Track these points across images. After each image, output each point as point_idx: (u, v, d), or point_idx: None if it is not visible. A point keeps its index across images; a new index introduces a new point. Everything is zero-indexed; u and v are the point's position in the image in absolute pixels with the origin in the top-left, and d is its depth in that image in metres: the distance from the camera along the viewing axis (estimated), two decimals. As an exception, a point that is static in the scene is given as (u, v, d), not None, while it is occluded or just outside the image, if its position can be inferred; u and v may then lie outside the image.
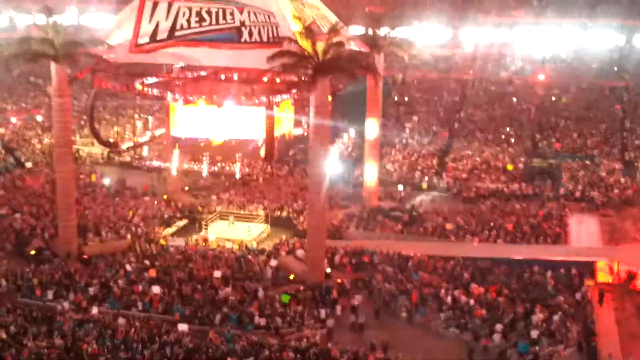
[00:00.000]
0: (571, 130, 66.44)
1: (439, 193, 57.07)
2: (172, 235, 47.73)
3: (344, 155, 63.86)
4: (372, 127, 52.91)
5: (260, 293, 38.01)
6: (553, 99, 72.21)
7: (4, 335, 31.70)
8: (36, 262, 41.70)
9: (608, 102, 72.13)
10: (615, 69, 76.77)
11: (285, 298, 37.41)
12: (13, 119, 68.63)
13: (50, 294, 37.59)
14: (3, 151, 63.12)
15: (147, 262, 41.74)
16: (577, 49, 77.57)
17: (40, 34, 42.43)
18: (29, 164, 61.17)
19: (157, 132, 65.29)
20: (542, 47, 77.09)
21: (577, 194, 54.88)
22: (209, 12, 43.79)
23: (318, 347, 32.10)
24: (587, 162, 60.96)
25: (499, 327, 34.38)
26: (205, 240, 46.88)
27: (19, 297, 38.02)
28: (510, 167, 59.59)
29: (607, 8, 75.51)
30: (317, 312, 36.52)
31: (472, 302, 36.95)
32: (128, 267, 40.69)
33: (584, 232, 48.55)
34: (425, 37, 77.59)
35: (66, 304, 36.22)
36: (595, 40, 77.35)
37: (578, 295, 38.19)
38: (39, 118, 69.73)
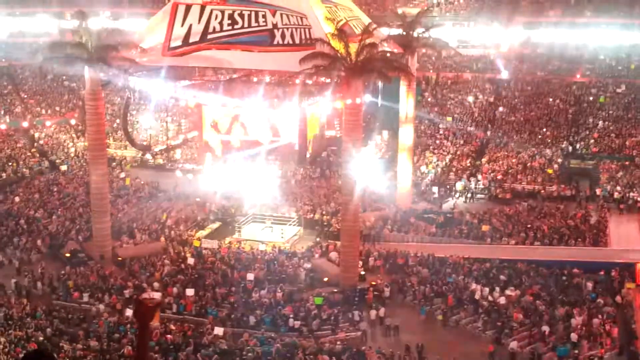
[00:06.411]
0: (610, 131, 65.26)
1: (474, 194, 56.27)
2: (205, 237, 47.60)
3: (377, 157, 63.35)
4: (406, 129, 52.33)
5: (295, 296, 37.84)
6: (591, 99, 71.01)
7: (40, 338, 31.88)
8: (71, 265, 41.91)
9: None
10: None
11: (318, 300, 37.17)
12: (47, 123, 69.24)
13: (85, 297, 37.77)
14: (38, 154, 63.71)
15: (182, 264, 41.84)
16: (615, 48, 76.13)
17: (74, 38, 42.67)
18: (63, 167, 61.65)
19: (190, 135, 65.80)
20: (579, 47, 75.80)
21: (616, 195, 53.80)
22: (241, 15, 43.72)
23: (353, 350, 31.82)
24: (626, 162, 59.76)
25: (546, 329, 33.97)
26: (239, 242, 46.74)
27: (55, 299, 38.26)
28: (550, 170, 58.55)
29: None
30: (351, 314, 36.22)
31: (509, 305, 36.46)
32: (165, 269, 40.80)
33: (623, 233, 47.57)
34: (459, 37, 77.04)
35: (101, 306, 36.36)
36: (633, 39, 75.94)
37: (618, 298, 37.40)
38: (73, 122, 70.24)
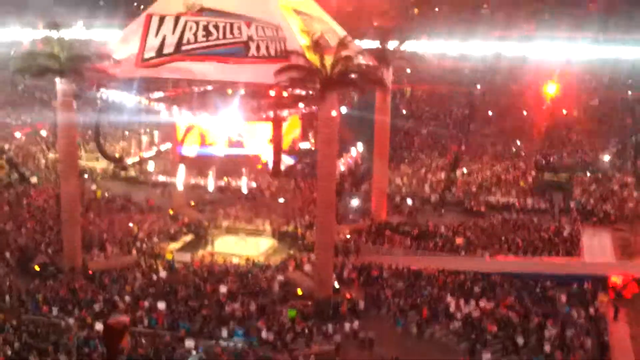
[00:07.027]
0: (583, 144, 65.78)
1: (449, 207, 56.28)
2: (178, 250, 47.10)
3: (352, 169, 63.30)
4: (381, 141, 52.24)
5: (268, 309, 37.49)
6: (564, 112, 71.57)
7: (9, 352, 31.23)
8: (41, 278, 41.19)
9: (620, 115, 71.46)
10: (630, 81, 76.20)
11: (292, 313, 36.85)
12: (17, 134, 68.32)
13: (55, 310, 37.08)
14: (7, 166, 62.75)
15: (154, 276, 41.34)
16: (588, 62, 76.86)
17: (46, 49, 42.14)
18: (33, 179, 60.77)
19: (163, 147, 65.33)
20: (553, 60, 76.39)
21: (589, 208, 54.07)
22: (216, 27, 43.53)
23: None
24: (599, 175, 60.19)
25: (520, 340, 33.98)
26: (212, 255, 46.29)
27: (24, 313, 37.49)
28: (522, 183, 58.91)
29: (619, 22, 75.09)
30: (325, 327, 35.92)
31: (483, 317, 36.39)
32: (137, 282, 40.25)
33: (596, 246, 47.79)
34: (434, 51, 77.33)
35: (71, 320, 35.70)
36: (606, 54, 76.78)
37: (591, 310, 37.49)
38: (44, 133, 69.44)
